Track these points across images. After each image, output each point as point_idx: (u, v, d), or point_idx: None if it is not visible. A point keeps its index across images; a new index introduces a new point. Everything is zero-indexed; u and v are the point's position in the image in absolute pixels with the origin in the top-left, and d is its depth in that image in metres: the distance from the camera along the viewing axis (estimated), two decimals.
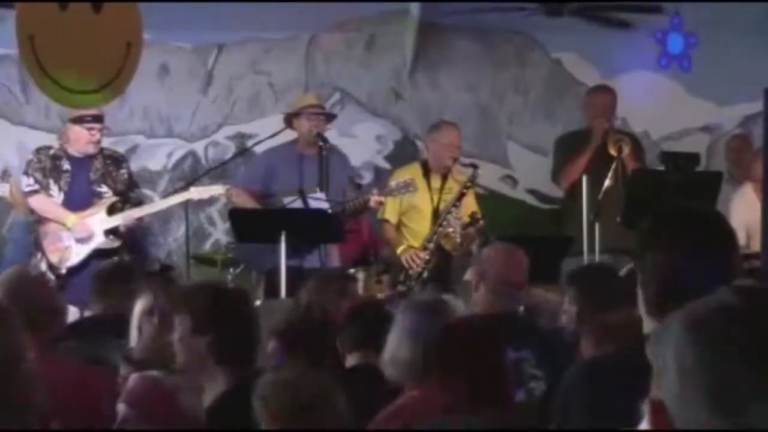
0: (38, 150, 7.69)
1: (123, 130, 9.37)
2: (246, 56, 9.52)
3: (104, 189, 7.62)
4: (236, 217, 7.28)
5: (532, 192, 9.59)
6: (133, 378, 3.38)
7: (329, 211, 7.29)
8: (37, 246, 7.54)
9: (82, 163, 7.59)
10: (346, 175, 7.94)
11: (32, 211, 7.67)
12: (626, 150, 8.04)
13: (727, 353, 1.46)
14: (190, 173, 9.21)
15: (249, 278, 8.02)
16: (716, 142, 9.47)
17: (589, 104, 8.55)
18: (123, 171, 7.78)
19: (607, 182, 7.74)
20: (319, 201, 7.38)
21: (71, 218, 7.46)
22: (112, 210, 7.58)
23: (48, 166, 7.57)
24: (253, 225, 7.20)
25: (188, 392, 3.37)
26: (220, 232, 9.32)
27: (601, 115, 8.32)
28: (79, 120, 7.55)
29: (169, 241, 9.40)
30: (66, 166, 7.57)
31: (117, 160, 7.80)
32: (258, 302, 6.83)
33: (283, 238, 6.93)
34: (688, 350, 1.48)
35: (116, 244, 7.55)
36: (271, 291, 7.32)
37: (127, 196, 7.73)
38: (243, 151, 8.93)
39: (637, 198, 7.53)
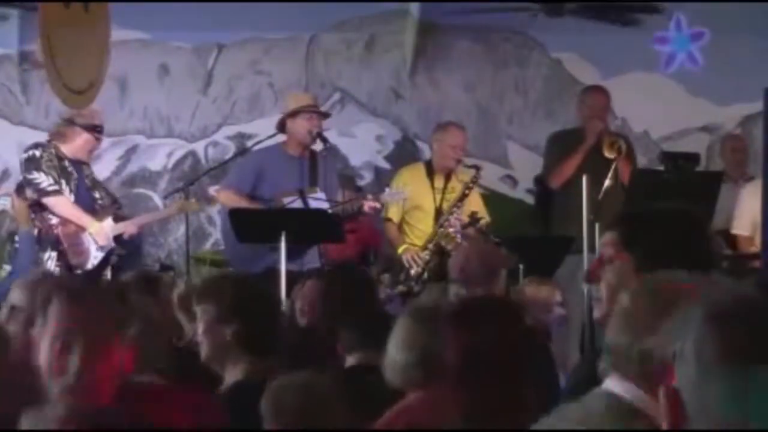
0: (42, 147, 7.43)
1: (123, 130, 9.38)
2: (246, 56, 9.52)
3: (97, 195, 7.57)
4: (236, 217, 7.27)
5: (532, 192, 9.58)
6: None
7: (329, 211, 7.30)
8: (52, 246, 7.35)
9: (79, 166, 7.48)
10: (335, 174, 7.93)
11: (41, 213, 7.37)
12: (624, 151, 8.05)
13: (746, 346, 1.46)
14: (190, 173, 9.21)
15: None
16: (716, 142, 9.46)
17: (583, 105, 8.51)
18: (99, 179, 7.81)
19: (607, 182, 7.74)
20: (319, 201, 7.38)
21: (95, 224, 7.38)
22: (115, 217, 7.57)
23: (57, 165, 7.40)
24: (253, 225, 7.19)
25: None
26: (219, 232, 9.31)
27: (596, 115, 8.29)
28: (92, 129, 7.47)
29: (169, 241, 9.41)
30: (70, 168, 7.44)
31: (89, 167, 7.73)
32: None
33: (283, 238, 6.93)
34: (708, 342, 1.49)
35: (123, 251, 7.53)
36: None
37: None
38: (243, 151, 8.91)
39: (637, 198, 7.52)
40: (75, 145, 7.45)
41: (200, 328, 3.76)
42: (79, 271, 7.30)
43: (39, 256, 7.35)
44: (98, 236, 7.40)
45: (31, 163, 7.35)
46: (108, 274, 7.39)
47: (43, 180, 7.31)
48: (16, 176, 9.16)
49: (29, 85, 9.25)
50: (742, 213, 7.94)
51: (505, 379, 3.26)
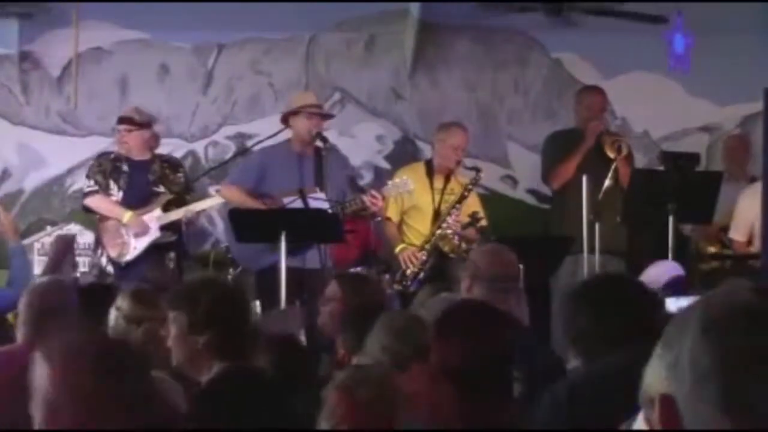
0: (100, 155, 8.18)
1: None
2: (246, 56, 9.51)
3: (161, 189, 8.04)
4: (236, 217, 7.27)
5: (532, 192, 9.58)
6: None
7: (329, 211, 7.28)
8: (98, 242, 8.04)
9: (141, 165, 8.05)
10: (344, 174, 7.93)
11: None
12: (625, 151, 8.05)
13: (744, 356, 1.44)
14: (191, 173, 9.19)
15: (248, 278, 8.01)
16: (716, 142, 9.46)
17: (580, 106, 8.50)
18: (179, 174, 8.20)
19: (606, 182, 7.75)
20: (319, 201, 7.37)
21: (127, 214, 7.89)
22: (167, 207, 7.98)
23: (108, 168, 8.03)
24: (253, 225, 7.19)
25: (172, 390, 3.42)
26: (220, 232, 9.31)
27: (594, 116, 8.30)
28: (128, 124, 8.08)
29: None
30: (125, 167, 8.03)
31: (174, 165, 8.28)
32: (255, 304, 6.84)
33: (283, 238, 6.92)
34: (704, 351, 1.46)
35: (172, 238, 8.00)
36: (263, 291, 7.30)
37: (183, 197, 8.10)
38: (243, 151, 8.92)
39: (637, 198, 7.53)
40: (129, 147, 8.06)
41: (171, 333, 3.74)
42: (122, 263, 7.87)
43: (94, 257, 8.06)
44: (133, 226, 7.87)
45: (86, 172, 8.18)
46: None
47: (85, 185, 8.11)
48: (17, 176, 9.18)
49: (29, 85, 9.24)
50: (738, 219, 7.95)
51: (496, 382, 3.30)
